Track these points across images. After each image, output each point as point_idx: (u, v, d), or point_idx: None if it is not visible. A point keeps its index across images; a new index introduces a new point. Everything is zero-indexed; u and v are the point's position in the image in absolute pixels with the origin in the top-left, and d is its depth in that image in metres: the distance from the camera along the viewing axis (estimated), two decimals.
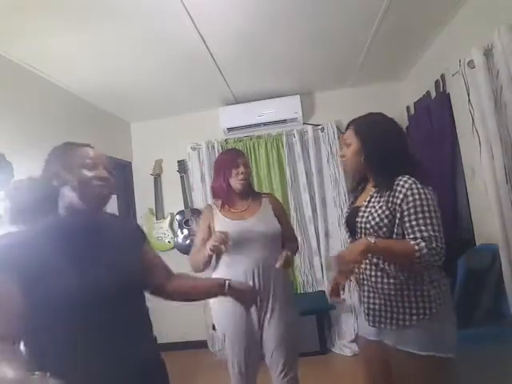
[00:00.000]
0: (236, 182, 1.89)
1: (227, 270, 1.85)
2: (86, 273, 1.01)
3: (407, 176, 1.32)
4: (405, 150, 1.42)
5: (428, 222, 1.26)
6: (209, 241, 1.73)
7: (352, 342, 3.32)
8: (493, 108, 2.02)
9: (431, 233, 1.25)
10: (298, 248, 2.12)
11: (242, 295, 1.37)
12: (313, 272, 3.68)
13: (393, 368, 1.37)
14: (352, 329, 3.36)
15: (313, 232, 3.67)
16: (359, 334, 1.58)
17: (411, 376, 1.29)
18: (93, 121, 3.41)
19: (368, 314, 1.39)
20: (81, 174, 1.05)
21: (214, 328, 3.56)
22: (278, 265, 1.75)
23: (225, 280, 1.34)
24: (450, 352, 1.26)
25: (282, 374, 1.81)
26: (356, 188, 1.59)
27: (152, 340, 1.19)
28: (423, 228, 1.26)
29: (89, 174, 1.06)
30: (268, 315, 1.84)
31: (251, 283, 1.78)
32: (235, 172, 1.88)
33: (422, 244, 1.23)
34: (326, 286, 3.56)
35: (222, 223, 1.88)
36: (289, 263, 1.82)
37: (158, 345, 1.22)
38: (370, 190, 1.47)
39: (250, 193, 1.98)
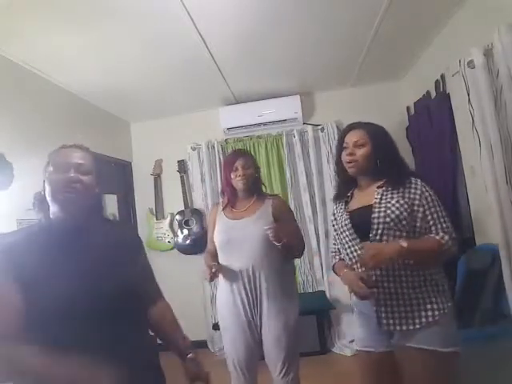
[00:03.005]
0: (236, 183, 1.93)
1: (224, 269, 1.89)
2: (58, 283, 0.97)
3: (416, 178, 1.43)
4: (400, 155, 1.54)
5: (445, 214, 1.38)
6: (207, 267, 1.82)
7: (352, 341, 3.32)
8: (493, 108, 2.02)
9: (449, 224, 1.36)
10: (301, 249, 1.98)
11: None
12: (313, 272, 3.68)
13: (403, 365, 1.36)
14: (352, 329, 3.35)
15: (313, 232, 3.67)
16: (362, 350, 1.47)
17: (433, 373, 1.29)
18: (93, 121, 3.41)
19: (387, 318, 1.36)
20: (51, 177, 1.06)
21: (214, 328, 3.57)
22: (268, 230, 1.71)
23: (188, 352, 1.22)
24: (459, 345, 1.32)
25: (281, 374, 1.82)
26: (345, 195, 1.59)
27: (151, 352, 1.15)
28: (443, 220, 1.36)
29: (57, 177, 1.05)
30: (264, 316, 1.84)
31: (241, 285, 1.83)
32: (234, 175, 1.92)
33: (446, 237, 1.33)
34: (326, 286, 3.57)
35: (221, 222, 1.96)
36: (277, 235, 1.72)
37: (158, 345, 1.21)
38: (369, 191, 1.49)
39: (255, 192, 1.98)
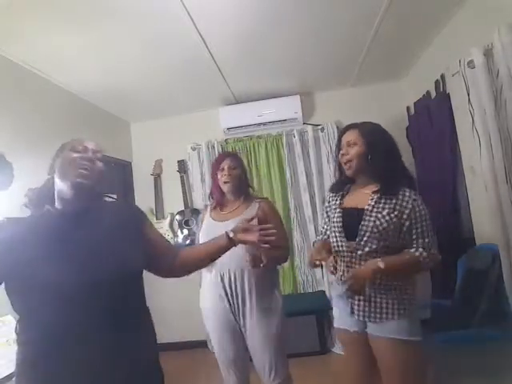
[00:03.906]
0: (222, 185, 1.95)
1: (207, 270, 1.92)
2: (64, 266, 0.98)
3: (408, 189, 1.47)
4: (401, 160, 1.56)
5: (430, 229, 1.45)
6: None
7: None
8: (493, 108, 2.02)
9: (431, 240, 1.45)
10: (285, 257, 1.95)
11: (248, 238, 1.31)
12: (313, 272, 3.68)
13: (376, 352, 1.48)
14: None
15: (313, 232, 3.66)
16: (340, 327, 1.60)
17: (394, 357, 1.43)
18: (93, 121, 3.41)
19: (358, 311, 1.49)
20: (67, 156, 1.09)
21: None
22: (248, 262, 1.67)
23: (226, 231, 1.32)
24: (419, 336, 1.45)
25: (270, 378, 1.81)
26: (341, 188, 1.63)
27: (151, 351, 1.16)
28: (426, 235, 1.44)
29: (75, 155, 1.09)
30: (247, 319, 1.83)
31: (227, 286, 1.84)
32: (220, 175, 1.95)
33: (424, 253, 1.42)
34: (326, 286, 3.57)
35: (205, 222, 1.99)
36: (255, 263, 1.67)
37: (158, 345, 1.21)
38: (365, 193, 1.52)
39: (243, 195, 1.98)
